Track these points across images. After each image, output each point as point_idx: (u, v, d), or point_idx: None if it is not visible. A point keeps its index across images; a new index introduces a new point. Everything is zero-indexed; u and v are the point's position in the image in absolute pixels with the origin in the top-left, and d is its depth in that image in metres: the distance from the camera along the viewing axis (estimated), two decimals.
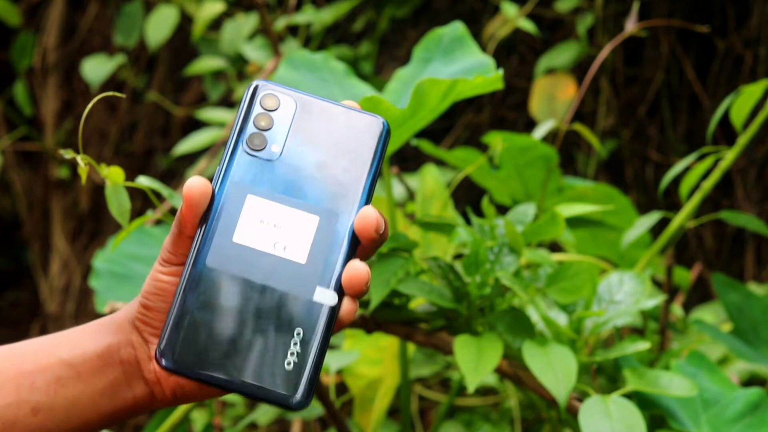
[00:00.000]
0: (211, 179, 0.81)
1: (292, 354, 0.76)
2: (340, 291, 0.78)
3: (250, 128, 0.80)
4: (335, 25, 2.38)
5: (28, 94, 2.79)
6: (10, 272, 3.19)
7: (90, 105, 0.97)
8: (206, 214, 0.79)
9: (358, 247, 0.79)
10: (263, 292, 0.77)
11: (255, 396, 0.76)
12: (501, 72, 1.19)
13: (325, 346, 0.77)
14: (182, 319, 0.77)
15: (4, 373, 0.82)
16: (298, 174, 0.79)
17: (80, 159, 0.99)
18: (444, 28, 1.32)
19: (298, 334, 0.76)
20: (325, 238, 0.78)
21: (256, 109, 0.81)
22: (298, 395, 0.75)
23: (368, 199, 0.80)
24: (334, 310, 0.77)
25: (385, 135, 0.81)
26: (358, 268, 0.78)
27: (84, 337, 0.84)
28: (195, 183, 0.79)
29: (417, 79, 1.28)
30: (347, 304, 0.78)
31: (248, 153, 0.80)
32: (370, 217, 0.79)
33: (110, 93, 0.96)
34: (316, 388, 0.76)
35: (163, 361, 0.76)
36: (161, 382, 0.82)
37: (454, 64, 1.27)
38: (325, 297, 0.77)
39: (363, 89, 1.30)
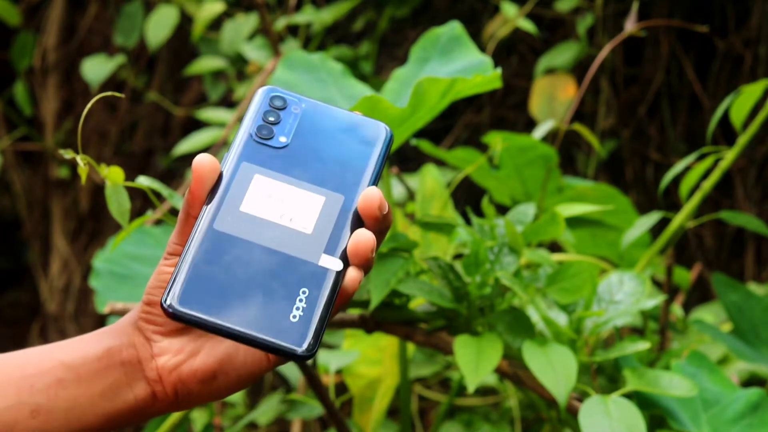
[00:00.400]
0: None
1: (297, 308, 0.77)
2: (345, 261, 0.79)
3: (259, 121, 0.82)
4: (335, 25, 2.38)
5: (28, 94, 2.79)
6: (10, 272, 3.19)
7: (89, 105, 0.98)
8: (213, 191, 0.80)
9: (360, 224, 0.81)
10: (270, 255, 0.78)
11: (262, 346, 0.76)
12: (499, 71, 1.19)
13: (329, 307, 0.77)
14: (189, 272, 0.77)
15: (4, 376, 0.82)
16: (304, 162, 0.81)
17: (80, 159, 0.99)
18: (441, 28, 1.32)
19: (304, 292, 0.77)
20: (330, 216, 0.80)
21: (264, 107, 0.83)
22: (304, 345, 0.76)
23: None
24: (339, 276, 0.78)
25: (388, 140, 0.83)
26: (365, 235, 0.79)
27: (84, 342, 0.84)
28: (204, 158, 0.80)
29: (415, 79, 1.28)
30: (352, 273, 0.79)
31: (256, 141, 0.82)
32: (373, 195, 0.80)
33: (109, 93, 0.96)
34: (319, 342, 0.77)
35: (169, 305, 0.76)
36: (163, 381, 0.82)
37: (452, 64, 1.27)
38: (331, 263, 0.78)
39: (361, 89, 1.30)
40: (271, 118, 0.82)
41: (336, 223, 0.80)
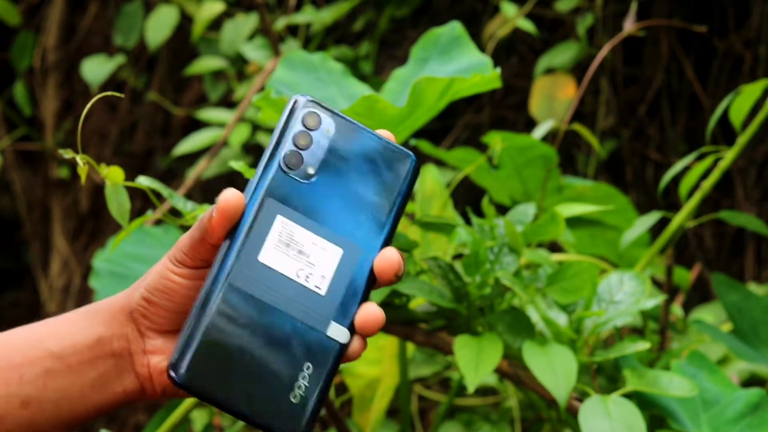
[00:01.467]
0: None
1: (299, 388, 0.76)
2: (352, 328, 0.79)
3: (289, 145, 0.80)
4: (335, 25, 2.38)
5: (28, 94, 2.79)
6: (10, 272, 3.19)
7: (89, 105, 0.98)
8: (235, 227, 0.79)
9: (374, 285, 0.80)
10: (281, 319, 0.77)
11: (258, 425, 0.76)
12: (498, 70, 1.19)
13: (330, 381, 0.77)
14: (199, 336, 0.76)
15: None
16: (328, 200, 0.80)
17: (79, 159, 0.99)
18: (441, 28, 1.32)
19: (308, 368, 0.77)
20: (346, 272, 0.79)
21: (297, 126, 0.81)
22: (300, 428, 0.76)
23: (391, 236, 0.81)
24: (344, 348, 0.78)
25: (413, 172, 0.83)
26: (374, 311, 0.78)
27: (74, 328, 0.83)
28: (231, 196, 0.78)
29: (414, 79, 1.28)
30: (356, 343, 0.79)
31: (284, 171, 0.80)
32: (392, 260, 0.79)
33: (109, 93, 0.96)
34: (314, 423, 0.77)
35: (174, 375, 0.76)
36: (153, 379, 0.82)
37: (452, 64, 1.27)
38: (339, 334, 0.78)
39: (360, 89, 1.30)
40: (302, 142, 0.80)
41: (350, 282, 0.79)
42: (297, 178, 0.80)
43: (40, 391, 0.81)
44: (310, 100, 0.81)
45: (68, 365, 0.82)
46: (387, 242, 0.81)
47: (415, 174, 0.83)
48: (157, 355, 0.82)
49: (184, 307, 0.81)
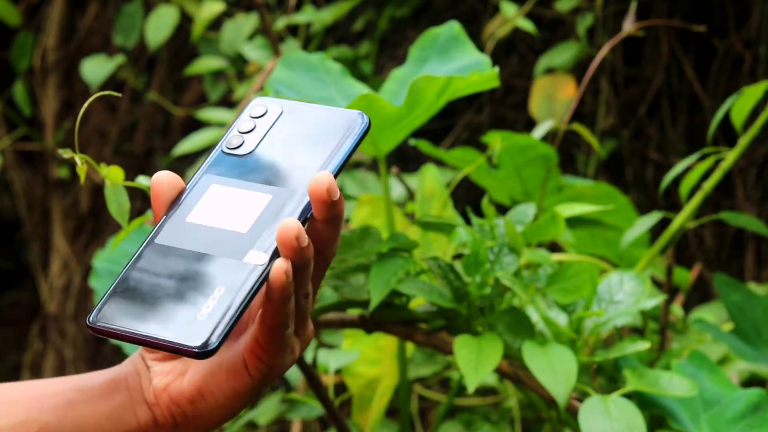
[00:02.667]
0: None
1: (207, 307, 0.76)
2: (275, 254, 0.78)
3: (233, 132, 0.84)
4: (335, 25, 2.38)
5: (28, 94, 2.79)
6: (10, 272, 3.19)
7: (85, 105, 0.98)
8: (172, 204, 0.82)
9: (310, 220, 0.80)
10: (199, 259, 0.78)
11: (166, 347, 0.76)
12: (496, 69, 1.19)
13: (244, 303, 0.77)
14: (116, 286, 0.78)
15: (15, 395, 0.85)
16: (265, 165, 0.82)
17: (78, 159, 0.99)
18: (440, 28, 1.32)
19: (219, 290, 0.77)
20: (272, 212, 0.80)
21: (242, 119, 0.85)
22: (199, 341, 0.75)
23: None
24: (261, 270, 0.77)
25: (359, 126, 0.83)
26: (288, 222, 0.77)
27: (95, 372, 0.87)
28: (161, 175, 0.81)
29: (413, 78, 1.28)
30: (278, 263, 0.77)
31: (224, 152, 0.83)
32: (322, 177, 0.78)
33: (106, 92, 0.96)
34: (224, 339, 0.76)
35: (90, 322, 0.77)
36: (159, 402, 0.84)
37: (451, 64, 1.27)
38: (255, 258, 0.78)
39: (360, 89, 1.30)
40: (245, 128, 0.84)
41: (276, 216, 0.79)
42: (236, 154, 0.83)
43: (60, 419, 0.84)
44: (261, 97, 0.85)
45: (88, 397, 0.85)
46: None
47: (360, 128, 0.83)
48: (157, 377, 0.85)
49: None
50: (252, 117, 0.84)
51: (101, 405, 0.84)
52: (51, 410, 0.84)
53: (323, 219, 0.79)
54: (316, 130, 0.83)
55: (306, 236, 0.77)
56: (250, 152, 0.83)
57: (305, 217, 0.80)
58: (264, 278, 0.77)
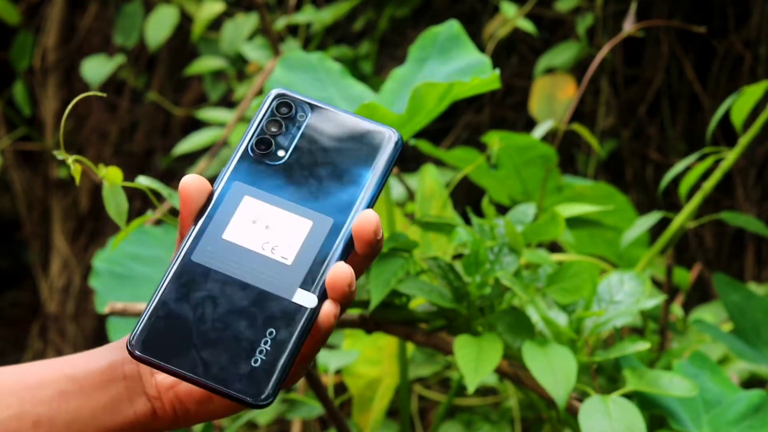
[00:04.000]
0: (212, 180, 0.81)
1: (261, 353, 0.74)
2: (323, 294, 0.76)
3: (260, 132, 0.80)
4: (335, 25, 2.38)
5: (28, 94, 2.79)
6: (10, 272, 3.19)
7: (72, 103, 0.97)
8: (202, 212, 0.78)
9: (350, 255, 0.78)
10: (243, 290, 0.76)
11: (218, 392, 0.74)
12: (497, 72, 1.18)
13: (297, 349, 0.75)
14: (157, 310, 0.76)
15: (7, 386, 0.82)
16: (299, 178, 0.79)
17: (70, 161, 0.99)
18: (439, 27, 1.31)
19: (270, 333, 0.75)
20: (315, 242, 0.77)
21: (269, 114, 0.81)
22: (261, 395, 0.73)
23: (369, 207, 0.79)
24: (312, 313, 0.76)
25: (394, 147, 0.80)
26: (341, 268, 0.76)
27: (88, 356, 0.84)
28: (190, 179, 0.78)
29: (413, 79, 1.28)
30: (327, 308, 0.76)
31: (253, 156, 0.79)
32: (370, 218, 0.77)
33: (95, 93, 0.96)
34: (279, 388, 0.74)
35: (132, 347, 0.75)
36: (162, 398, 0.82)
37: (451, 63, 1.27)
38: (305, 299, 0.76)
39: (359, 89, 1.30)
40: (273, 129, 0.80)
41: (319, 251, 0.77)
42: (266, 161, 0.79)
43: (53, 411, 0.81)
44: (283, 92, 0.81)
45: (81, 387, 0.82)
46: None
47: (396, 148, 0.80)
48: (162, 373, 0.81)
49: None
50: (278, 115, 0.81)
51: (96, 396, 0.82)
52: (44, 402, 0.81)
53: (364, 255, 0.79)
54: (350, 144, 0.80)
55: (355, 280, 0.77)
56: (282, 161, 0.79)
57: (348, 253, 0.78)
58: (312, 320, 0.76)
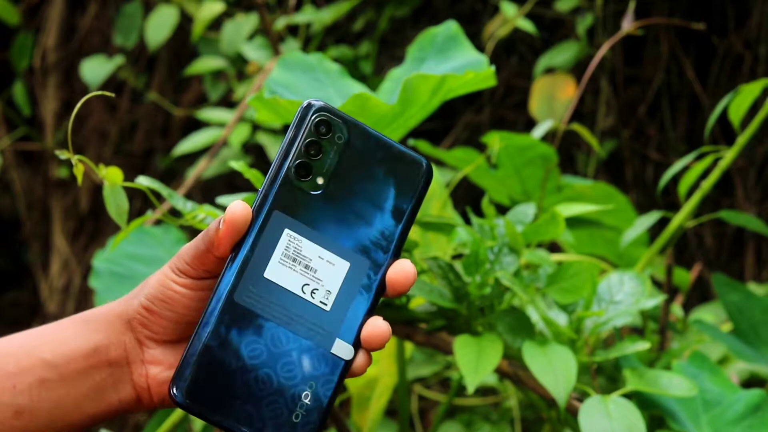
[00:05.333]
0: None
1: (302, 407, 0.76)
2: (358, 344, 0.77)
3: (298, 154, 0.78)
4: (335, 25, 2.38)
5: (27, 94, 2.79)
6: (10, 272, 3.19)
7: (79, 104, 0.97)
8: (241, 240, 0.77)
9: (382, 296, 0.79)
10: (285, 338, 0.76)
11: None
12: (493, 68, 1.18)
13: (334, 398, 0.76)
14: (201, 355, 0.76)
15: None
16: (337, 212, 0.78)
17: (74, 160, 0.99)
18: (438, 27, 1.32)
19: (311, 386, 0.76)
20: (352, 287, 0.78)
21: (307, 134, 0.79)
22: None
23: (401, 248, 0.79)
24: (348, 364, 0.77)
25: (426, 179, 0.80)
26: (380, 326, 0.77)
27: (70, 335, 0.81)
28: (239, 208, 0.77)
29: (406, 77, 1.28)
30: (361, 358, 0.77)
31: (292, 182, 0.78)
32: (408, 271, 0.77)
33: (102, 92, 0.96)
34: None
35: (176, 395, 0.75)
36: (151, 390, 0.81)
37: (448, 63, 1.27)
38: (343, 350, 0.77)
39: (358, 89, 1.30)
40: (312, 151, 0.78)
41: (356, 297, 0.77)
42: (306, 189, 0.78)
43: (34, 401, 0.80)
44: (321, 106, 0.79)
45: (62, 375, 0.80)
46: (397, 253, 0.79)
47: (427, 180, 0.80)
48: (156, 366, 0.81)
49: (186, 317, 0.80)
50: (317, 136, 0.78)
51: (79, 384, 0.80)
52: (24, 392, 0.79)
53: (393, 297, 0.80)
54: (386, 175, 0.79)
55: (390, 334, 0.78)
56: (321, 190, 0.78)
57: (381, 293, 0.78)
58: (348, 370, 0.77)
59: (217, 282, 0.77)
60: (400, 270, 0.78)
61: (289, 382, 0.76)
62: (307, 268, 0.77)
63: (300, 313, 0.77)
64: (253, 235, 0.77)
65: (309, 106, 0.79)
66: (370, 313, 0.78)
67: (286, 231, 0.77)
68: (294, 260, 0.77)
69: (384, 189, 0.79)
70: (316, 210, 0.78)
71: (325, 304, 0.77)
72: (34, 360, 0.80)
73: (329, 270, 0.78)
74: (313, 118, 0.79)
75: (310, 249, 0.78)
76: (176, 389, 0.75)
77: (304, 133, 0.78)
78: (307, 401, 0.76)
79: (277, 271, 0.77)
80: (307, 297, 0.77)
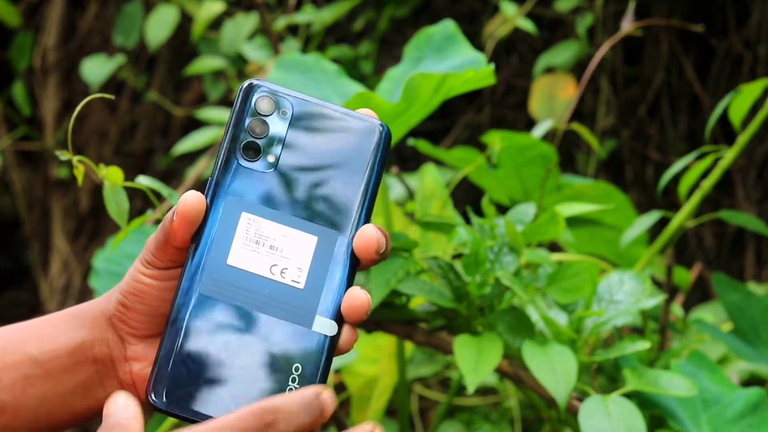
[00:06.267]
0: (204, 184, 0.78)
1: (291, 390, 0.72)
2: (340, 318, 0.74)
3: (244, 135, 0.76)
4: (335, 25, 2.38)
5: (27, 94, 2.79)
6: (10, 272, 3.19)
7: (80, 106, 0.97)
8: (198, 230, 0.75)
9: (357, 267, 0.76)
10: (260, 323, 0.73)
11: None
12: (492, 66, 1.18)
13: (325, 377, 0.73)
14: (173, 353, 0.73)
15: None
16: (294, 187, 0.76)
17: (74, 160, 0.99)
18: (435, 27, 1.31)
19: (297, 369, 0.73)
20: (323, 260, 0.75)
21: (251, 114, 0.77)
22: None
23: (369, 213, 0.76)
24: (333, 340, 0.74)
25: (385, 141, 0.77)
26: (359, 296, 0.74)
27: (56, 331, 0.80)
28: (192, 198, 0.75)
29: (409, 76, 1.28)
30: (347, 333, 0.75)
31: (242, 164, 0.76)
32: (370, 237, 0.75)
33: (102, 95, 0.96)
34: None
35: (153, 398, 0.73)
36: (137, 387, 0.79)
37: (446, 62, 1.27)
38: (325, 327, 0.74)
39: (355, 89, 1.29)
40: (258, 130, 0.76)
41: (330, 270, 0.74)
42: (257, 169, 0.76)
43: (18, 398, 0.78)
44: (260, 84, 0.77)
45: (47, 371, 0.78)
46: (365, 220, 0.76)
47: (386, 143, 0.77)
48: (139, 362, 0.79)
49: (159, 310, 0.78)
50: (261, 114, 0.76)
51: (64, 380, 0.78)
52: (8, 388, 0.77)
53: (369, 266, 0.77)
54: (340, 142, 0.76)
55: (371, 304, 0.75)
56: (272, 168, 0.75)
57: (356, 265, 0.75)
58: (335, 346, 0.74)
59: (180, 276, 0.75)
60: (362, 236, 0.75)
61: (275, 369, 0.72)
62: (273, 249, 0.74)
63: (273, 295, 0.74)
64: (209, 223, 0.75)
65: (249, 85, 0.77)
66: (348, 284, 0.75)
67: (244, 214, 0.75)
68: (257, 242, 0.75)
69: (339, 157, 0.76)
70: (271, 189, 0.75)
71: (298, 282, 0.74)
72: (19, 356, 0.78)
73: (296, 247, 0.74)
74: (254, 97, 0.77)
75: (271, 229, 0.75)
76: (155, 395, 0.72)
77: (247, 113, 0.76)
78: (296, 385, 0.72)
79: (240, 256, 0.74)
80: (277, 277, 0.74)
